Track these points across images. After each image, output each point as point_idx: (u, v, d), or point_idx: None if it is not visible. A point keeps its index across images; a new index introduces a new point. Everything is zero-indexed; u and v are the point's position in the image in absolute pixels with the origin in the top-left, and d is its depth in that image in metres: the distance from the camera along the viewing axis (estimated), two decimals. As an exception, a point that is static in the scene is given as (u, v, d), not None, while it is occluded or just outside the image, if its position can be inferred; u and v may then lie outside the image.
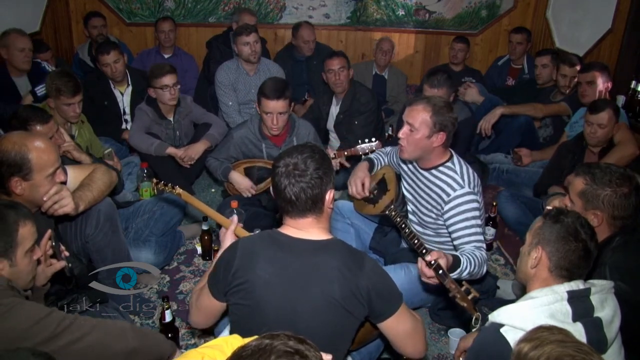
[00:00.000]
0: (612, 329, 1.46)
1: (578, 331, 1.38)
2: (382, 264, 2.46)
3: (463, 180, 2.14)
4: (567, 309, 1.42)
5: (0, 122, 2.85)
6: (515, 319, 1.41)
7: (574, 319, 1.41)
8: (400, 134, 2.16)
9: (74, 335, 1.44)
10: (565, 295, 1.44)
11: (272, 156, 2.99)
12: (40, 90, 3.23)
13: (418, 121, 2.09)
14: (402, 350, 1.61)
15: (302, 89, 4.42)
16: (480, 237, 2.10)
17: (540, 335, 1.14)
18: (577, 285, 1.47)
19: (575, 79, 3.49)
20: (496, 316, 1.47)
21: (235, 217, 1.89)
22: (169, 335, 2.14)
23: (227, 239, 1.79)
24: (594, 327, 1.41)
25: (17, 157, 1.80)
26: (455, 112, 2.18)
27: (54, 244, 1.79)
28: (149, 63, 4.23)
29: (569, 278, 1.49)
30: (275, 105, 2.76)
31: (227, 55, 4.12)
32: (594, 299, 1.46)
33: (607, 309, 1.47)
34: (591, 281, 1.52)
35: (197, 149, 3.34)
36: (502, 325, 1.43)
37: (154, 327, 2.35)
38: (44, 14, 4.53)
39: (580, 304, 1.44)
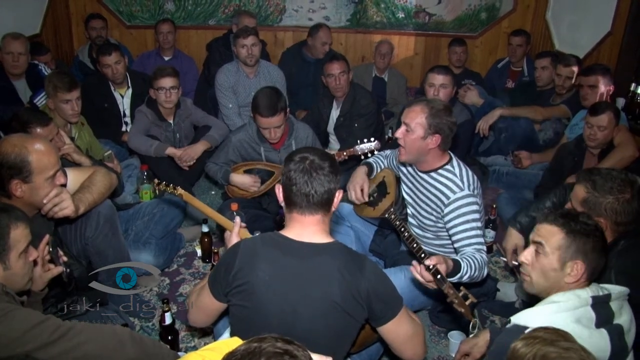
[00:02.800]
0: (630, 337, 1.45)
1: (603, 338, 1.38)
2: (382, 267, 2.45)
3: (462, 183, 2.14)
4: (592, 314, 1.42)
5: (0, 124, 2.85)
6: (541, 323, 1.39)
7: (597, 325, 1.41)
8: (397, 134, 2.18)
9: (69, 343, 1.41)
10: (590, 300, 1.43)
11: (271, 159, 2.99)
12: (40, 100, 3.22)
13: (414, 122, 2.10)
14: (401, 354, 1.61)
15: (306, 90, 4.38)
16: (481, 240, 2.10)
17: (535, 334, 1.16)
18: (598, 290, 1.47)
19: (572, 80, 3.50)
20: (520, 319, 1.46)
21: (238, 219, 1.89)
22: (169, 337, 2.14)
23: (233, 241, 1.78)
24: (617, 334, 1.41)
25: (17, 160, 1.80)
26: (455, 116, 2.18)
27: (51, 249, 1.79)
28: (149, 65, 4.24)
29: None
30: (270, 122, 2.78)
31: (227, 58, 4.12)
32: (613, 305, 1.46)
33: (624, 316, 1.47)
34: (606, 286, 1.51)
35: (196, 149, 3.34)
36: (526, 328, 1.42)
37: (153, 329, 2.34)
38: (45, 16, 4.54)
39: (602, 310, 1.43)
